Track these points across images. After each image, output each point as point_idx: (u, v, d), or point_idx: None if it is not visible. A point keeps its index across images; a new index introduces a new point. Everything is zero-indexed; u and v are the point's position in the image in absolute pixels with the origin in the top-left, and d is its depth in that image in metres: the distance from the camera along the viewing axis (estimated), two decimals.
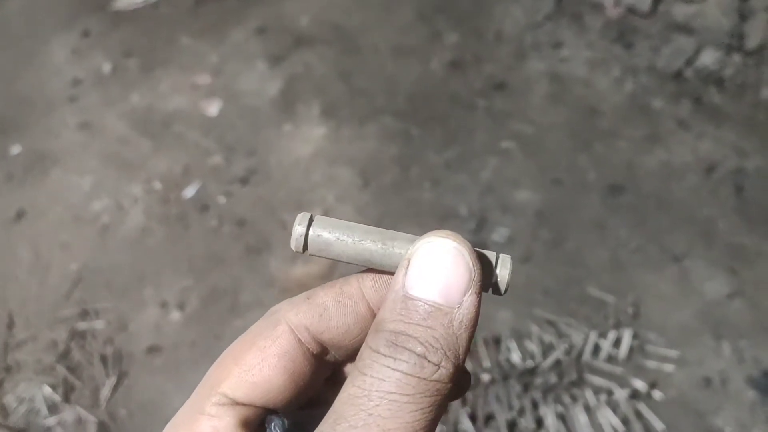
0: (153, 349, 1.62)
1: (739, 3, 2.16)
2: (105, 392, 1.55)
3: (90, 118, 2.18)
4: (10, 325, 1.68)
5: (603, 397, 1.47)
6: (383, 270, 0.33)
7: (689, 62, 2.19)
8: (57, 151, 2.08)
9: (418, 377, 0.28)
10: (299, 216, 0.33)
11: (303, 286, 1.65)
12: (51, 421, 1.51)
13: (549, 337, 1.57)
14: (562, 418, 1.45)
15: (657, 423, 1.43)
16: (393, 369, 0.28)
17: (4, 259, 1.81)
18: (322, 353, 0.35)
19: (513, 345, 1.55)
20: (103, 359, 1.60)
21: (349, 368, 0.38)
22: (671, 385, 1.50)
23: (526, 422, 1.44)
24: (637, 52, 2.26)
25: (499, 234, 1.78)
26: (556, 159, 1.97)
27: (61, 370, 1.59)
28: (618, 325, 1.59)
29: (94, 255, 1.80)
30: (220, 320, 1.65)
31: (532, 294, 1.66)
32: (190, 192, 1.93)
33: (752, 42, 2.16)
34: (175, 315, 1.67)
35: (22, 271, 1.78)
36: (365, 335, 0.32)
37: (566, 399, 1.47)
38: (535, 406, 1.47)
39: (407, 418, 0.27)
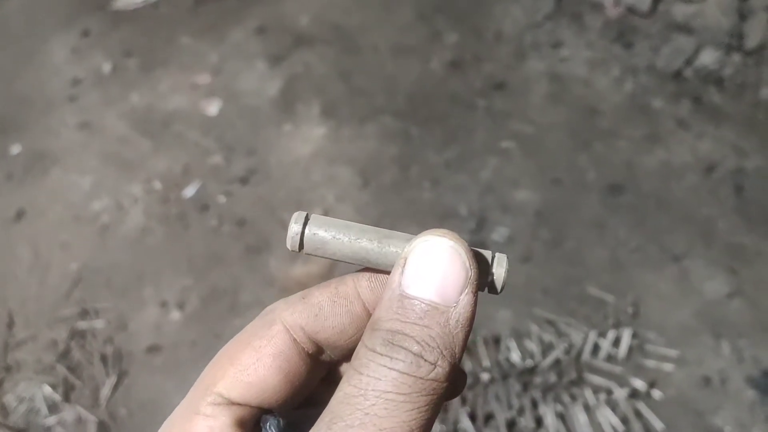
0: (153, 349, 1.62)
1: (739, 3, 2.15)
2: (105, 392, 1.55)
3: (90, 117, 2.18)
4: (10, 324, 1.68)
5: (602, 396, 1.47)
6: (379, 269, 0.33)
7: (689, 62, 2.19)
8: (57, 151, 2.08)
9: (415, 376, 0.28)
10: (295, 215, 0.33)
11: (302, 286, 1.65)
12: (51, 420, 1.51)
13: (548, 337, 1.57)
14: (562, 417, 1.45)
15: (656, 422, 1.43)
16: (389, 368, 0.28)
17: (4, 258, 1.81)
18: (317, 353, 0.35)
19: (513, 344, 1.55)
20: (103, 359, 1.60)
21: (344, 368, 0.38)
22: (671, 385, 1.50)
23: (526, 421, 1.44)
24: (637, 51, 2.26)
25: (499, 234, 1.78)
26: (555, 159, 1.97)
27: (61, 369, 1.59)
28: (617, 325, 1.59)
29: (94, 254, 1.80)
30: (219, 320, 1.65)
31: (531, 293, 1.66)
32: (190, 192, 1.93)
33: (752, 42, 2.16)
34: (175, 314, 1.67)
35: (22, 270, 1.78)
36: (360, 335, 0.32)
37: (566, 398, 1.47)
38: (534, 405, 1.47)
39: (404, 417, 0.27)
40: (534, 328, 1.59)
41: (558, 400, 1.47)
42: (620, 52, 2.26)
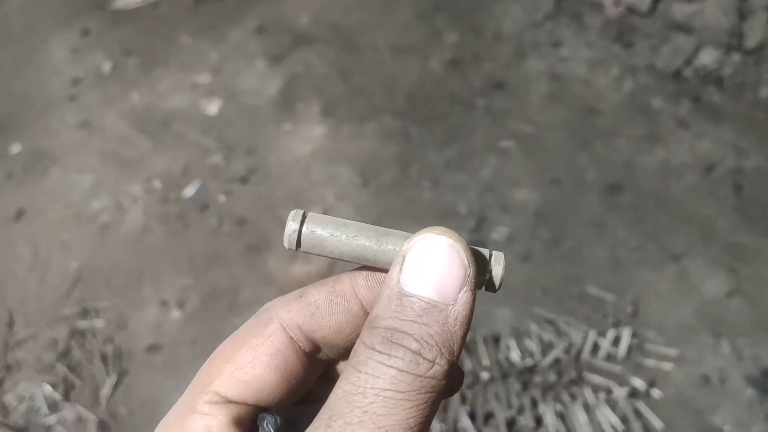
0: (153, 348, 1.62)
1: (739, 2, 2.16)
2: (105, 391, 1.55)
3: (90, 117, 2.18)
4: (11, 323, 1.68)
5: (602, 395, 1.47)
6: (377, 267, 0.33)
7: (688, 61, 2.19)
8: (57, 150, 2.08)
9: (413, 374, 0.28)
10: (292, 213, 0.33)
11: (302, 285, 1.64)
12: (51, 419, 1.51)
13: (548, 336, 1.57)
14: (561, 416, 1.45)
15: (656, 421, 1.44)
16: (388, 366, 0.28)
17: (4, 258, 1.82)
18: (314, 351, 0.35)
19: (512, 343, 1.56)
20: (104, 358, 1.60)
21: (341, 366, 0.38)
22: (670, 384, 1.50)
23: (525, 420, 1.44)
24: (637, 51, 2.26)
25: (499, 233, 1.78)
26: (555, 158, 1.97)
27: (61, 368, 1.59)
28: (617, 324, 1.59)
29: (94, 254, 1.80)
30: (219, 319, 1.65)
31: (531, 292, 1.66)
32: (189, 191, 1.93)
33: (751, 41, 2.16)
34: (175, 313, 1.67)
35: (22, 269, 1.78)
36: (357, 334, 0.32)
37: (565, 397, 1.48)
38: (534, 404, 1.47)
39: (402, 415, 0.27)
40: (534, 328, 1.59)
41: (558, 399, 1.48)
42: (620, 52, 2.26)
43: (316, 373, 0.37)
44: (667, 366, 1.52)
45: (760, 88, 2.13)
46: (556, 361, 1.53)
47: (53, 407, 1.53)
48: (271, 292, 1.69)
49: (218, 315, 1.66)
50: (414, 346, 0.28)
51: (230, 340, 0.35)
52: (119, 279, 1.75)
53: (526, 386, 1.49)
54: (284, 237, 0.33)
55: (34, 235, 1.86)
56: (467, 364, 1.52)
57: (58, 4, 2.63)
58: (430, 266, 0.30)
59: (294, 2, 2.53)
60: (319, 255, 0.33)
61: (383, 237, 0.32)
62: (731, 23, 2.17)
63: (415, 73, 2.24)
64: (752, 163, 1.93)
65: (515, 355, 1.53)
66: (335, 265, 1.68)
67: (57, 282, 1.75)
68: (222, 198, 1.91)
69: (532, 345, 1.55)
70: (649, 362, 1.53)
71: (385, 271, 0.32)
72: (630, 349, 1.55)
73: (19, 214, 1.91)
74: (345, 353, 0.36)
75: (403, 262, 0.30)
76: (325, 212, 1.82)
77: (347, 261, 0.33)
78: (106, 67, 2.34)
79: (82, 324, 1.66)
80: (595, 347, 1.56)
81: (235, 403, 0.33)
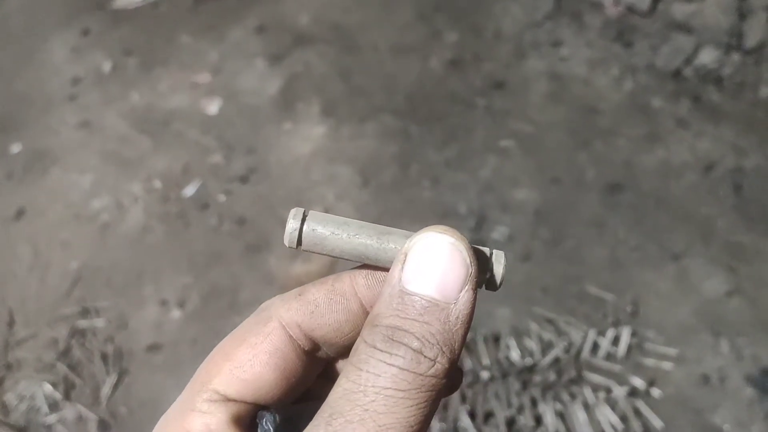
0: (153, 347, 1.62)
1: (738, 2, 2.16)
2: (105, 390, 1.55)
3: (90, 116, 2.18)
4: (11, 323, 1.68)
5: (602, 394, 1.47)
6: (378, 266, 0.33)
7: (688, 61, 2.19)
8: (57, 150, 2.08)
9: (414, 372, 0.28)
10: (293, 211, 0.33)
11: (302, 284, 1.65)
12: (51, 418, 1.51)
13: (548, 335, 1.57)
14: (561, 415, 1.46)
15: (655, 420, 1.44)
16: (389, 364, 0.28)
17: (5, 257, 1.82)
18: (313, 350, 0.35)
19: (512, 343, 1.56)
20: (104, 357, 1.60)
21: (341, 364, 0.38)
22: (670, 383, 1.50)
23: (525, 420, 1.44)
24: (637, 51, 2.26)
25: (499, 232, 1.78)
26: (555, 158, 1.97)
27: (61, 368, 1.59)
28: (617, 323, 1.59)
29: (94, 253, 1.80)
30: (220, 318, 1.65)
31: (531, 292, 1.66)
32: (190, 190, 1.93)
33: (751, 41, 2.16)
34: (176, 313, 1.67)
35: (23, 269, 1.78)
36: (357, 333, 0.32)
37: (565, 397, 1.48)
38: (534, 403, 1.47)
39: (403, 414, 0.27)
40: (534, 327, 1.59)
41: (557, 398, 1.48)
42: (620, 52, 2.26)
43: (315, 372, 0.37)
44: (667, 365, 1.52)
45: (759, 88, 2.13)
46: (556, 361, 1.53)
47: (53, 406, 1.53)
48: (272, 292, 1.69)
49: (218, 314, 1.66)
50: (415, 344, 0.28)
51: (229, 339, 0.35)
52: (119, 278, 1.75)
53: (525, 385, 1.50)
54: (285, 235, 0.33)
55: (34, 234, 1.86)
56: (467, 363, 1.53)
57: (58, 4, 2.63)
58: (432, 265, 0.30)
59: (294, 2, 2.53)
60: (319, 253, 0.33)
61: (384, 236, 0.32)
62: (731, 23, 2.17)
63: (415, 72, 2.24)
64: (752, 162, 1.93)
65: (515, 355, 1.53)
66: (335, 264, 1.68)
67: (57, 281, 1.75)
68: (222, 197, 1.91)
69: (532, 344, 1.55)
70: (649, 361, 1.53)
71: (386, 269, 0.32)
72: (630, 348, 1.55)
73: (20, 214, 1.91)
74: (344, 352, 0.36)
75: (404, 260, 0.30)
76: (326, 211, 1.81)
77: (348, 260, 0.33)
78: (106, 66, 2.34)
79: (83, 323, 1.66)
80: (595, 346, 1.56)
81: (235, 401, 0.33)
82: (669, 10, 2.27)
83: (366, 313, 0.34)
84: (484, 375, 1.50)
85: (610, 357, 1.54)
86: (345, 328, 0.34)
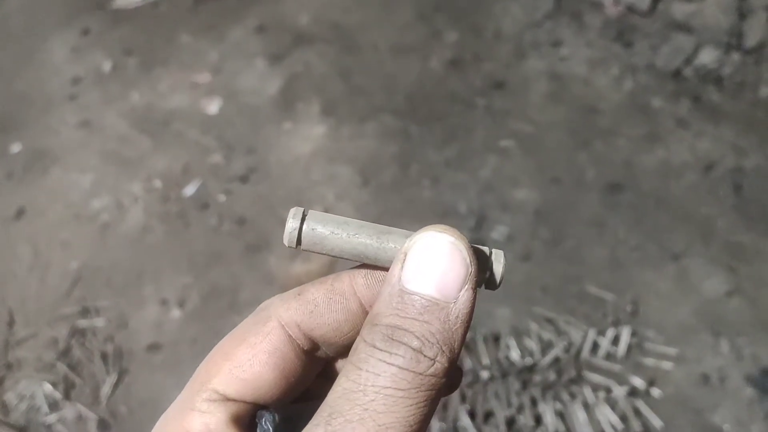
0: (153, 347, 1.62)
1: (738, 2, 2.16)
2: (105, 389, 1.55)
3: (90, 116, 2.18)
4: (11, 322, 1.68)
5: (601, 394, 1.48)
6: (377, 265, 0.33)
7: (688, 61, 2.19)
8: (57, 150, 2.08)
9: (414, 372, 0.28)
10: (292, 210, 0.33)
11: (302, 284, 1.65)
12: (51, 418, 1.51)
13: (548, 335, 1.57)
14: (561, 415, 1.46)
15: (655, 420, 1.44)
16: (388, 363, 0.28)
17: (5, 257, 1.82)
18: (312, 349, 0.35)
19: (512, 342, 1.56)
20: (104, 357, 1.60)
21: (340, 364, 0.38)
22: (669, 383, 1.50)
23: (525, 419, 1.44)
24: (637, 50, 2.26)
25: (499, 232, 1.78)
26: (555, 157, 1.97)
27: (61, 367, 1.59)
28: (617, 323, 1.59)
29: (94, 253, 1.80)
30: (220, 317, 1.65)
31: (531, 292, 1.66)
32: (190, 190, 1.93)
33: (751, 40, 2.17)
34: (176, 312, 1.67)
35: (23, 269, 1.79)
36: (356, 332, 0.31)
37: (565, 396, 1.48)
38: (533, 403, 1.47)
39: (402, 413, 0.27)
40: (533, 327, 1.59)
41: (557, 398, 1.48)
42: (620, 51, 2.26)
43: (314, 371, 0.37)
44: (667, 365, 1.52)
45: (759, 88, 2.13)
46: (556, 360, 1.53)
47: (53, 406, 1.53)
48: (271, 291, 1.69)
49: (218, 314, 1.66)
50: (415, 343, 0.28)
51: (229, 338, 0.35)
52: (119, 278, 1.75)
53: (525, 385, 1.50)
54: (284, 235, 0.33)
55: (34, 234, 1.86)
56: (467, 363, 1.53)
57: (58, 4, 2.63)
58: (432, 264, 0.30)
59: (294, 2, 2.53)
60: (319, 253, 0.33)
61: (384, 235, 0.32)
62: (731, 23, 2.17)
63: (415, 72, 2.24)
64: (752, 162, 1.93)
65: (515, 354, 1.53)
66: (335, 264, 1.68)
67: (57, 281, 1.75)
68: (222, 197, 1.91)
69: (532, 344, 1.55)
70: (649, 361, 1.53)
71: (386, 269, 0.32)
72: (629, 348, 1.55)
73: (20, 214, 1.91)
74: (343, 351, 0.36)
75: (404, 259, 0.30)
76: (326, 211, 1.81)
77: (347, 259, 0.33)
78: (106, 66, 2.34)
79: (83, 323, 1.66)
80: (595, 346, 1.56)
81: (234, 400, 0.33)
82: (669, 10, 2.27)
83: (365, 313, 0.34)
84: (484, 375, 1.50)
85: (609, 357, 1.54)
86: (344, 327, 0.34)
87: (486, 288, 0.34)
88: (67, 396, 1.55)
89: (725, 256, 1.72)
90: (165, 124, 2.13)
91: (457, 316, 0.29)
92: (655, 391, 1.48)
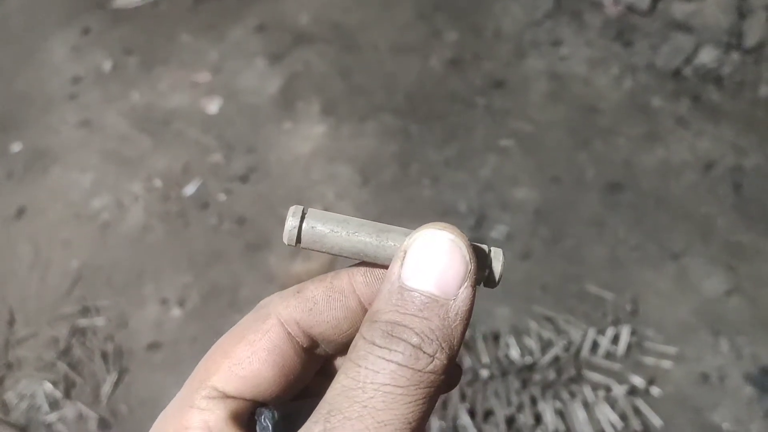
0: (153, 346, 1.62)
1: (738, 1, 2.16)
2: (106, 388, 1.55)
3: (90, 115, 2.18)
4: (11, 322, 1.68)
5: (601, 393, 1.48)
6: (377, 263, 0.33)
7: (688, 60, 2.19)
8: (57, 149, 2.08)
9: (413, 369, 0.28)
10: (292, 209, 0.33)
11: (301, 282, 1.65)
12: (52, 417, 1.51)
13: (548, 334, 1.57)
14: (561, 414, 1.46)
15: (655, 419, 1.44)
16: (388, 360, 0.28)
17: (5, 256, 1.82)
18: (311, 347, 0.35)
19: (512, 341, 1.56)
20: (104, 356, 1.61)
21: (339, 361, 0.38)
22: (669, 382, 1.50)
23: (525, 418, 1.45)
24: (637, 50, 2.26)
25: (498, 231, 1.78)
26: (555, 157, 1.97)
27: (61, 366, 1.59)
28: (616, 322, 1.60)
29: (94, 252, 1.81)
30: (220, 317, 1.65)
31: (531, 291, 1.66)
32: (190, 189, 1.93)
33: (751, 40, 2.17)
34: (176, 311, 1.67)
35: (23, 268, 1.79)
36: (355, 330, 0.31)
37: (565, 395, 1.48)
38: (533, 402, 1.47)
39: (401, 410, 0.27)
40: (533, 325, 1.59)
41: (557, 397, 1.48)
42: (620, 51, 2.26)
43: (313, 369, 0.37)
44: (667, 364, 1.53)
45: (759, 87, 2.13)
46: (556, 359, 1.53)
47: (54, 405, 1.54)
48: (271, 290, 1.68)
49: (218, 313, 1.67)
50: (415, 340, 0.28)
51: (228, 336, 0.34)
52: (120, 277, 1.75)
53: (525, 384, 1.50)
54: (284, 232, 0.33)
55: (34, 233, 1.86)
56: (467, 362, 1.53)
57: (58, 3, 2.63)
58: (432, 261, 0.30)
59: (294, 1, 2.53)
60: (319, 251, 0.33)
61: (384, 233, 0.32)
62: (731, 22, 2.17)
63: (415, 72, 2.24)
64: (752, 161, 1.93)
65: (515, 353, 1.54)
66: (335, 263, 1.68)
67: (58, 280, 1.75)
68: (222, 196, 1.91)
69: (532, 343, 1.56)
70: (649, 360, 1.53)
71: (385, 267, 0.32)
72: (629, 347, 1.55)
73: (20, 213, 1.91)
74: (343, 349, 0.36)
75: (404, 257, 0.30)
76: (325, 210, 1.81)
77: (347, 257, 0.33)
78: (107, 65, 2.34)
79: (83, 322, 1.67)
80: (595, 345, 1.56)
81: (233, 398, 0.33)
82: (669, 10, 2.27)
83: (364, 311, 0.34)
84: (484, 373, 1.50)
85: (609, 355, 1.54)
86: (343, 325, 0.34)
87: (485, 286, 0.34)
88: (67, 395, 1.55)
89: (725, 255, 1.72)
90: (165, 124, 2.13)
91: (457, 313, 0.29)
92: (655, 390, 1.49)
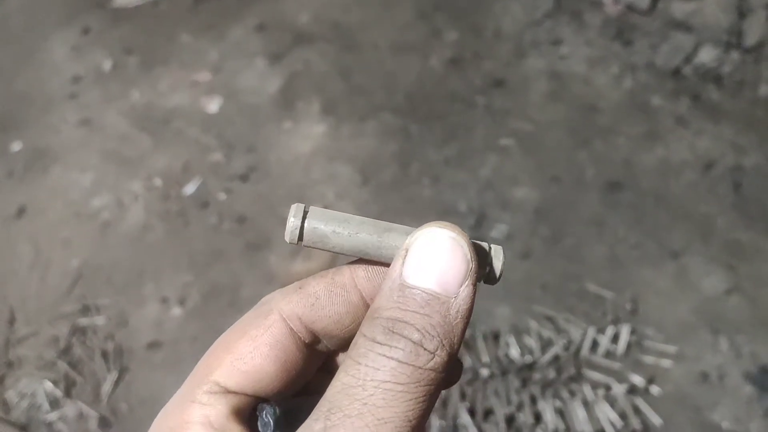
0: (153, 345, 1.62)
1: (738, 0, 2.16)
2: (106, 387, 1.55)
3: (90, 115, 2.18)
4: (12, 321, 1.69)
5: (601, 392, 1.48)
6: (378, 261, 0.33)
7: (688, 59, 2.19)
8: (57, 148, 2.08)
9: (413, 366, 0.28)
10: (293, 207, 0.33)
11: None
12: (52, 416, 1.52)
13: (547, 333, 1.57)
14: (561, 412, 1.46)
15: (655, 418, 1.44)
16: (388, 357, 0.28)
17: (5, 255, 1.82)
18: (313, 342, 0.35)
19: (512, 340, 1.56)
20: (104, 355, 1.61)
21: (341, 358, 0.38)
22: (669, 380, 1.50)
23: (525, 417, 1.45)
24: (636, 49, 2.26)
25: (498, 230, 1.78)
26: (555, 156, 1.97)
27: (62, 365, 1.59)
28: (616, 321, 1.60)
29: (94, 251, 1.81)
30: (220, 316, 1.66)
31: (530, 290, 1.66)
32: (190, 189, 1.93)
33: (751, 39, 2.17)
34: (176, 311, 1.68)
35: (23, 267, 1.79)
36: (357, 325, 0.32)
37: (564, 394, 1.48)
38: (533, 401, 1.48)
39: (401, 407, 0.27)
40: (533, 325, 1.59)
41: (557, 395, 1.48)
42: (619, 50, 2.26)
43: (315, 365, 0.37)
44: (666, 363, 1.53)
45: (759, 86, 2.13)
46: (556, 358, 1.53)
47: (54, 404, 1.54)
48: (272, 290, 1.66)
49: (219, 312, 1.67)
50: (415, 336, 0.28)
51: (230, 332, 0.35)
52: (120, 276, 1.75)
53: (525, 383, 1.50)
54: (286, 231, 0.33)
55: (35, 232, 1.86)
56: (467, 361, 1.53)
57: (58, 3, 2.63)
58: (433, 259, 0.30)
59: (294, 1, 2.53)
60: (320, 249, 0.33)
61: (385, 231, 0.33)
62: (730, 21, 2.17)
63: (415, 71, 2.24)
64: (751, 160, 1.94)
65: (515, 352, 1.54)
66: (335, 262, 1.68)
67: (58, 279, 1.75)
68: (222, 196, 1.91)
69: (532, 342, 1.56)
70: (648, 359, 1.53)
71: (387, 265, 0.32)
72: (629, 346, 1.56)
73: (20, 212, 1.91)
74: (344, 344, 0.36)
75: (405, 255, 0.30)
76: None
77: (348, 255, 0.33)
78: (107, 65, 2.34)
79: (83, 321, 1.67)
80: (594, 344, 1.56)
81: (235, 393, 0.33)
82: (669, 9, 2.27)
83: (366, 305, 0.34)
84: (484, 372, 1.50)
85: (609, 354, 1.55)
86: (345, 320, 0.35)
87: (485, 283, 0.34)
88: (67, 394, 1.55)
89: (724, 254, 1.72)
90: (165, 123, 2.13)
91: (458, 311, 0.30)
92: (655, 389, 1.49)
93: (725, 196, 1.85)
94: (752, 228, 1.77)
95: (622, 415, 1.45)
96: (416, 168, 1.95)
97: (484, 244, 0.34)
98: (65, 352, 1.62)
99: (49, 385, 1.56)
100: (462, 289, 0.30)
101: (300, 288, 0.35)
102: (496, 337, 1.58)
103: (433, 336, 0.29)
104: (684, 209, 1.82)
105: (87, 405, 1.53)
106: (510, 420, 1.45)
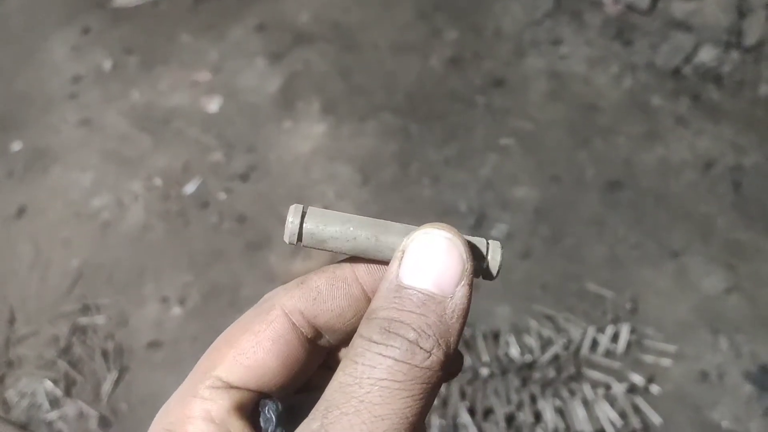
0: (154, 344, 1.62)
1: (738, 0, 2.16)
2: (106, 387, 1.56)
3: (90, 114, 2.18)
4: (12, 320, 1.69)
5: (601, 391, 1.48)
6: (377, 260, 0.34)
7: (688, 59, 2.19)
8: (57, 148, 2.08)
9: (410, 364, 0.28)
10: (292, 207, 0.33)
11: None
12: (52, 415, 1.52)
13: (547, 332, 1.58)
14: (561, 412, 1.46)
15: (654, 417, 1.44)
16: (384, 356, 0.28)
17: (6, 255, 1.82)
18: (316, 337, 0.35)
19: (512, 339, 1.56)
20: (104, 354, 1.61)
21: (342, 353, 0.38)
22: (668, 380, 1.51)
23: (525, 416, 1.45)
24: (636, 49, 2.26)
25: (498, 230, 1.78)
26: (555, 156, 1.97)
27: (62, 364, 1.59)
28: (616, 320, 1.60)
29: (94, 251, 1.81)
30: (220, 315, 1.66)
31: (530, 289, 1.67)
32: (190, 188, 1.93)
33: (750, 39, 2.17)
34: (176, 310, 1.68)
35: (24, 267, 1.79)
36: (359, 318, 0.32)
37: (564, 393, 1.48)
38: (533, 400, 1.48)
39: (398, 405, 0.28)
40: (533, 324, 1.59)
41: (557, 395, 1.48)
42: (619, 50, 2.27)
43: (317, 360, 0.37)
44: (666, 362, 1.53)
45: (759, 86, 2.13)
46: (556, 357, 1.54)
47: (54, 403, 1.54)
48: (272, 289, 1.69)
49: (219, 312, 1.67)
50: (411, 335, 0.29)
51: (233, 327, 0.35)
52: (120, 276, 1.75)
53: (525, 382, 1.50)
54: (285, 231, 0.33)
55: (35, 232, 1.87)
56: (467, 361, 1.53)
57: (58, 3, 2.63)
58: (430, 260, 0.30)
59: (294, 1, 2.53)
60: (319, 249, 0.34)
61: (383, 231, 0.33)
62: (730, 21, 2.17)
63: (415, 71, 2.25)
64: (751, 160, 1.94)
65: (515, 351, 1.54)
66: (336, 261, 1.68)
67: (58, 279, 1.76)
68: (222, 195, 1.91)
69: (532, 341, 1.56)
70: (648, 358, 1.54)
71: (385, 264, 0.32)
72: (629, 345, 1.56)
73: (20, 212, 1.92)
74: (346, 339, 0.36)
75: (402, 256, 0.31)
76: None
77: (348, 254, 0.34)
78: (107, 65, 2.34)
79: (83, 321, 1.67)
80: (594, 343, 1.56)
81: (237, 388, 0.33)
82: (668, 9, 2.27)
83: (367, 299, 0.35)
84: (484, 372, 1.50)
85: (609, 354, 1.55)
86: (347, 313, 0.35)
87: (483, 278, 0.34)
88: (68, 393, 1.55)
89: (724, 253, 1.72)
90: (165, 123, 2.13)
91: (454, 311, 0.30)
92: (654, 388, 1.49)
93: (725, 196, 1.85)
94: (752, 228, 1.77)
95: (622, 414, 1.45)
96: (416, 168, 1.95)
97: (482, 240, 0.34)
98: (65, 351, 1.62)
99: (49, 384, 1.56)
100: (458, 289, 0.30)
101: (302, 283, 0.35)
102: (496, 336, 1.58)
103: (429, 335, 0.29)
104: (684, 209, 1.82)
105: (87, 404, 1.53)
106: (510, 419, 1.45)
